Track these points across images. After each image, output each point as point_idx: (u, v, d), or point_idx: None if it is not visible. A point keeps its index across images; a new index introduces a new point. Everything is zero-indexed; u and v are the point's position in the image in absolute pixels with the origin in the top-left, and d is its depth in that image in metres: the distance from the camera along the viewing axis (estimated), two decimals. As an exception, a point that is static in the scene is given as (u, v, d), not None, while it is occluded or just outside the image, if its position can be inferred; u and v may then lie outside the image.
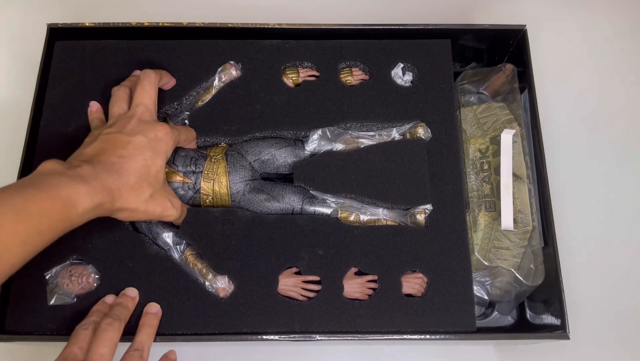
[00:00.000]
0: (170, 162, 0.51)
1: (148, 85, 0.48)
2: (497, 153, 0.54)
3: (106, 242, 0.49)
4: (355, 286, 0.48)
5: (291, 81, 0.55)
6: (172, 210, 0.46)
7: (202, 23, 0.55)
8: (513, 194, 0.52)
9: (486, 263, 0.51)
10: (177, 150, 0.51)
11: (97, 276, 0.48)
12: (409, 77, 0.56)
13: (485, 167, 0.54)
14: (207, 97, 0.54)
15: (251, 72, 0.55)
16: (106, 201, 0.40)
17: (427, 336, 0.47)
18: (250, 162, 0.52)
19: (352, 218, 0.51)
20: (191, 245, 0.50)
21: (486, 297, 0.53)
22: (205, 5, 0.69)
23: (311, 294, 0.48)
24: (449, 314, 0.47)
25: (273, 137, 0.54)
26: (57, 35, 0.55)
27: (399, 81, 0.56)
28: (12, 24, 0.68)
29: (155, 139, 0.45)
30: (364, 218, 0.51)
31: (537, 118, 0.55)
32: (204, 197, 0.51)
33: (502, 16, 0.70)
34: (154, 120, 0.47)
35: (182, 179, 0.50)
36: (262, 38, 0.56)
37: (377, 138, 0.53)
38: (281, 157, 0.52)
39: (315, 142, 0.52)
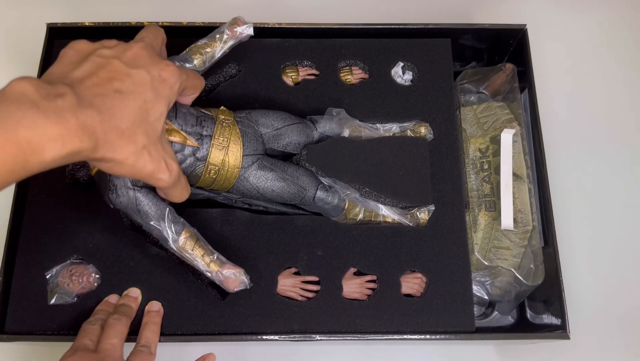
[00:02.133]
0: (172, 117, 0.42)
1: (155, 30, 0.42)
2: (497, 153, 0.54)
3: (107, 241, 0.49)
4: (354, 287, 0.48)
5: (291, 79, 0.55)
6: (165, 173, 0.37)
7: (202, 22, 0.55)
8: (513, 193, 0.52)
9: (486, 263, 0.51)
10: (177, 105, 0.43)
11: (97, 276, 0.48)
12: (408, 76, 0.56)
13: (485, 166, 0.54)
14: (210, 51, 0.46)
15: (251, 71, 0.55)
16: (86, 148, 0.32)
17: (427, 336, 0.47)
18: (262, 134, 0.46)
19: (357, 210, 0.49)
20: (188, 226, 0.44)
21: (486, 297, 0.53)
22: (205, 4, 0.69)
23: (310, 295, 0.48)
24: (448, 314, 0.47)
25: (280, 110, 0.49)
26: (57, 34, 0.55)
27: (398, 80, 0.55)
28: (12, 23, 0.68)
29: (160, 78, 0.37)
30: (366, 213, 0.49)
31: (537, 118, 0.55)
32: (210, 168, 0.43)
33: (502, 16, 0.69)
34: (158, 57, 0.39)
35: (185, 140, 0.41)
36: (262, 37, 0.56)
37: (381, 132, 0.52)
38: (293, 133, 0.47)
39: (328, 123, 0.49)
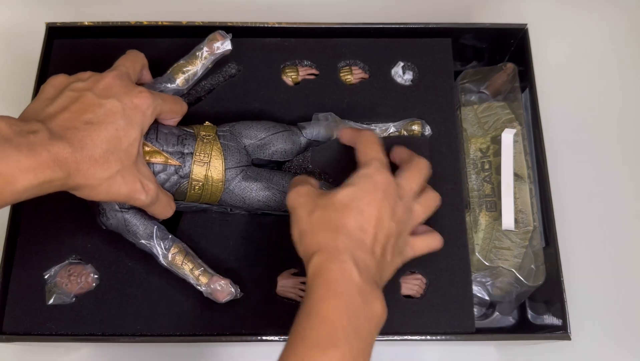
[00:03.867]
0: (153, 139, 0.43)
1: (133, 56, 0.44)
2: (498, 153, 0.54)
3: (105, 241, 0.49)
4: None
5: (290, 79, 0.55)
6: (142, 194, 0.40)
7: (202, 22, 0.55)
8: (514, 194, 0.52)
9: (487, 263, 0.51)
10: (158, 126, 0.44)
11: (96, 276, 0.48)
12: (409, 76, 0.56)
13: (486, 166, 0.54)
14: (191, 69, 0.47)
15: (250, 71, 0.54)
16: (58, 178, 0.35)
17: (427, 337, 0.47)
18: (245, 146, 0.47)
19: None
20: (177, 241, 0.46)
21: (487, 297, 0.52)
22: (205, 4, 0.69)
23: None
24: (448, 315, 0.47)
25: (265, 120, 0.49)
26: (56, 34, 0.55)
27: (399, 80, 0.55)
28: (11, 22, 0.68)
29: (132, 105, 0.39)
30: None
31: (538, 117, 0.54)
32: (194, 184, 0.44)
33: (503, 15, 0.69)
34: (132, 84, 0.41)
35: (166, 160, 0.43)
36: (262, 36, 0.56)
37: (377, 133, 0.52)
38: (278, 142, 0.48)
39: (315, 129, 0.49)
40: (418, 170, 0.43)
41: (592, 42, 0.70)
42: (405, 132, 0.52)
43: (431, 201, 0.44)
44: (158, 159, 0.43)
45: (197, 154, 0.44)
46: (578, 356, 0.57)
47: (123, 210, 0.44)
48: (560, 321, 0.49)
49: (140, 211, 0.44)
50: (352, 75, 0.55)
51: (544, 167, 0.53)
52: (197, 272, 0.45)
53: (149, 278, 0.48)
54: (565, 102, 0.66)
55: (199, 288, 0.45)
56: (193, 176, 0.44)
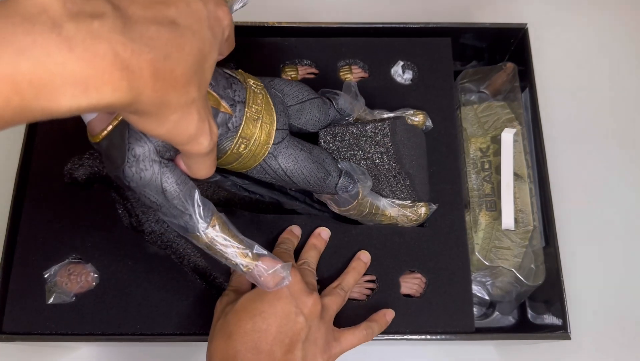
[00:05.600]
0: None
1: None
2: (497, 152, 0.53)
3: (105, 241, 0.49)
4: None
5: (290, 78, 0.55)
6: (207, 136, 0.29)
7: (201, 21, 0.55)
8: (514, 193, 0.52)
9: (487, 263, 0.50)
10: None
11: (96, 275, 0.48)
12: (409, 75, 0.56)
13: (486, 166, 0.54)
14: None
15: (250, 70, 0.54)
16: (120, 102, 0.23)
17: (427, 337, 0.47)
18: (289, 106, 0.40)
19: (366, 201, 0.45)
20: (217, 212, 0.36)
21: (487, 297, 0.52)
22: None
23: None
24: (447, 314, 0.47)
25: (298, 82, 0.42)
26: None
27: (398, 79, 0.55)
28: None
29: (215, 16, 0.29)
30: (371, 205, 0.46)
31: (538, 117, 0.54)
32: (240, 142, 0.36)
33: (503, 15, 0.69)
34: None
35: (219, 104, 0.33)
36: (262, 36, 0.56)
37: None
38: (314, 109, 0.41)
39: (345, 100, 0.44)
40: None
41: (592, 41, 0.70)
42: (409, 121, 0.50)
43: (347, 283, 0.45)
44: (209, 102, 0.33)
45: (249, 105, 0.35)
46: (578, 356, 0.57)
47: (162, 161, 0.33)
48: (560, 320, 0.49)
49: (177, 167, 0.34)
50: (352, 74, 0.55)
51: (544, 167, 0.53)
52: (242, 251, 0.36)
53: (149, 277, 0.48)
54: (565, 101, 0.66)
55: (243, 269, 0.36)
56: (242, 132, 0.35)
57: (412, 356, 0.57)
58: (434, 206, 0.49)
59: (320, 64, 0.55)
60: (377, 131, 0.43)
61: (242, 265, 0.36)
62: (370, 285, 0.48)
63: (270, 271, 0.36)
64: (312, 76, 0.55)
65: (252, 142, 0.36)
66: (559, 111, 0.66)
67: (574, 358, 0.57)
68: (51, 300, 0.47)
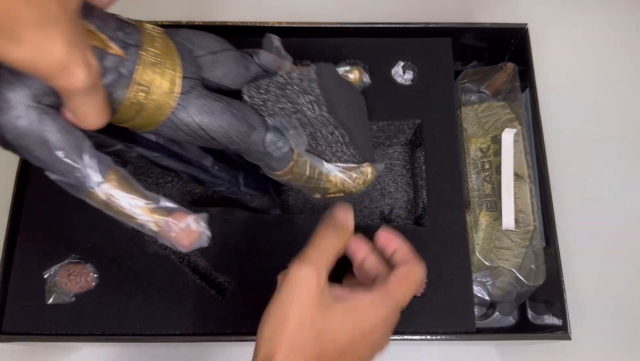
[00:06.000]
0: (84, 15, 0.29)
1: None
2: (498, 152, 0.53)
3: (105, 241, 0.49)
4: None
5: (291, 79, 0.55)
6: (82, 68, 0.26)
7: (202, 22, 0.55)
8: (514, 193, 0.52)
9: (487, 263, 0.50)
10: (86, 3, 0.30)
11: (95, 275, 0.48)
12: (409, 75, 0.56)
13: (487, 166, 0.54)
14: None
15: (250, 71, 0.54)
16: None
17: (427, 337, 0.47)
18: (198, 56, 0.36)
19: (305, 164, 0.41)
20: (115, 165, 0.32)
21: (487, 297, 0.52)
22: (204, 3, 0.69)
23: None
24: (448, 314, 0.47)
25: (212, 34, 0.39)
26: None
27: (399, 80, 0.55)
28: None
29: None
30: (312, 168, 0.42)
31: (539, 117, 0.54)
32: (137, 89, 0.32)
33: (503, 15, 0.69)
34: None
35: (105, 45, 0.30)
36: (262, 36, 0.55)
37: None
38: (231, 62, 0.38)
39: (267, 54, 0.41)
40: (414, 282, 0.39)
41: (593, 41, 0.70)
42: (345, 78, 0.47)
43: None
44: (94, 42, 0.29)
45: (146, 47, 0.32)
46: (578, 356, 0.56)
47: (41, 106, 0.29)
48: (560, 321, 0.48)
49: (61, 116, 0.30)
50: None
51: (544, 167, 0.53)
52: (147, 206, 0.32)
53: (149, 277, 0.48)
54: (565, 102, 0.66)
55: (152, 228, 0.32)
56: (138, 77, 0.31)
57: (412, 357, 0.56)
58: (381, 166, 0.44)
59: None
60: (302, 77, 0.39)
61: (150, 223, 0.32)
62: (371, 285, 0.48)
63: (182, 225, 0.32)
64: (312, 76, 0.55)
65: (153, 90, 0.32)
66: (559, 111, 0.66)
67: (574, 358, 0.57)
68: (51, 300, 0.47)
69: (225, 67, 0.38)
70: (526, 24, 0.57)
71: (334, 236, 0.38)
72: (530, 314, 0.56)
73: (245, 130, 0.37)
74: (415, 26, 0.56)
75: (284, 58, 0.42)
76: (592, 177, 0.63)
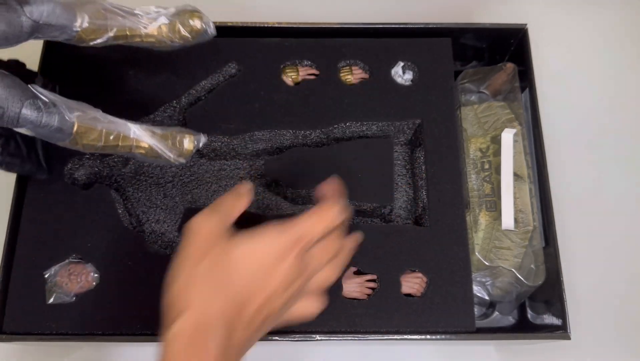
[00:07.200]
0: None
1: None
2: (497, 152, 0.54)
3: (105, 241, 0.49)
4: (354, 286, 0.48)
5: (291, 79, 0.55)
6: None
7: (202, 22, 0.55)
8: (514, 193, 0.52)
9: (487, 263, 0.51)
10: None
11: (96, 275, 0.48)
12: (409, 76, 0.56)
13: (486, 166, 0.54)
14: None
15: (250, 71, 0.54)
16: None
17: (427, 336, 0.47)
18: None
19: (94, 134, 0.37)
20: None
21: (487, 297, 0.52)
22: (204, 4, 0.69)
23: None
24: (448, 314, 0.47)
25: None
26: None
27: (399, 80, 0.55)
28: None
29: None
30: (109, 137, 0.38)
31: (538, 117, 0.54)
32: None
33: (503, 15, 0.69)
34: None
35: None
36: (262, 36, 0.56)
37: (141, 21, 0.42)
38: None
39: (45, 4, 0.35)
40: (322, 216, 0.37)
41: (592, 42, 0.70)
42: (181, 27, 0.43)
43: (330, 247, 0.38)
44: None
45: None
46: (578, 356, 0.57)
47: None
48: (560, 321, 0.49)
49: None
50: (352, 75, 0.55)
51: (544, 167, 0.53)
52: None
53: (149, 277, 0.48)
54: (565, 102, 0.66)
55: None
56: None
57: (412, 356, 0.57)
58: (204, 138, 0.43)
59: (321, 64, 0.55)
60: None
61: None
62: (371, 285, 0.48)
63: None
64: (312, 77, 0.55)
65: None
66: (559, 111, 0.66)
67: (574, 358, 0.57)
68: (51, 300, 0.47)
69: None
70: (526, 24, 0.57)
71: (229, 198, 0.38)
72: (529, 314, 0.56)
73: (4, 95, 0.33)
74: (415, 26, 0.56)
75: (84, 4, 0.36)
76: (592, 177, 0.63)
